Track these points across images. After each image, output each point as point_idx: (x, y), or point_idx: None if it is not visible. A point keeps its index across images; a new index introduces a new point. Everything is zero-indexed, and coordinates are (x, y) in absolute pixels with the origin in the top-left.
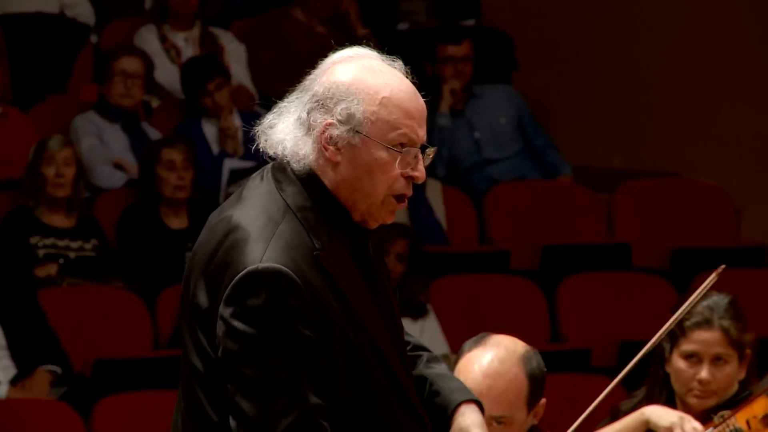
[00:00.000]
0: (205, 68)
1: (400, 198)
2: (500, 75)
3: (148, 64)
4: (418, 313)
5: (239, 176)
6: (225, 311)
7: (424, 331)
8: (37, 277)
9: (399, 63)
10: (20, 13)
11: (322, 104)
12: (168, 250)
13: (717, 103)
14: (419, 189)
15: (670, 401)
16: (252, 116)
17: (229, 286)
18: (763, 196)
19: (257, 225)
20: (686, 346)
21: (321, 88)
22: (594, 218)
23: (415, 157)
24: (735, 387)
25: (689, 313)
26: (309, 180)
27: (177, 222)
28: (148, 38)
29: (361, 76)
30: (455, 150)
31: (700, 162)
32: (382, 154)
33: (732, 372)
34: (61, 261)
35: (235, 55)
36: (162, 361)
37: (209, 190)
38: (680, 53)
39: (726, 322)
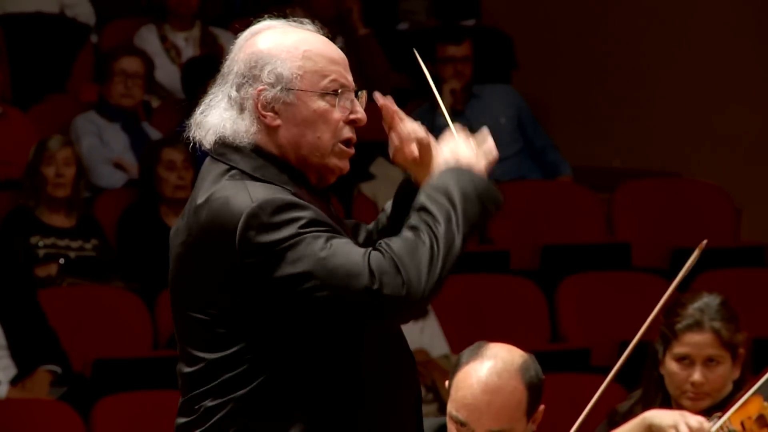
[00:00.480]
0: (205, 68)
1: (347, 143)
2: (500, 75)
3: (149, 64)
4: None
5: None
6: (249, 256)
7: (425, 331)
8: (38, 277)
9: (307, 22)
10: (20, 13)
11: (248, 77)
12: (168, 250)
13: (717, 103)
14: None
15: (666, 403)
16: None
17: (238, 234)
18: (763, 196)
19: (227, 189)
20: (678, 349)
21: (242, 64)
22: (594, 218)
23: (352, 101)
24: (729, 387)
25: (680, 315)
26: (255, 150)
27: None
28: (148, 38)
29: (277, 39)
30: None
31: (700, 162)
32: (320, 104)
33: (725, 373)
34: (61, 261)
35: None
36: (162, 361)
37: None
38: (680, 53)
39: (717, 324)
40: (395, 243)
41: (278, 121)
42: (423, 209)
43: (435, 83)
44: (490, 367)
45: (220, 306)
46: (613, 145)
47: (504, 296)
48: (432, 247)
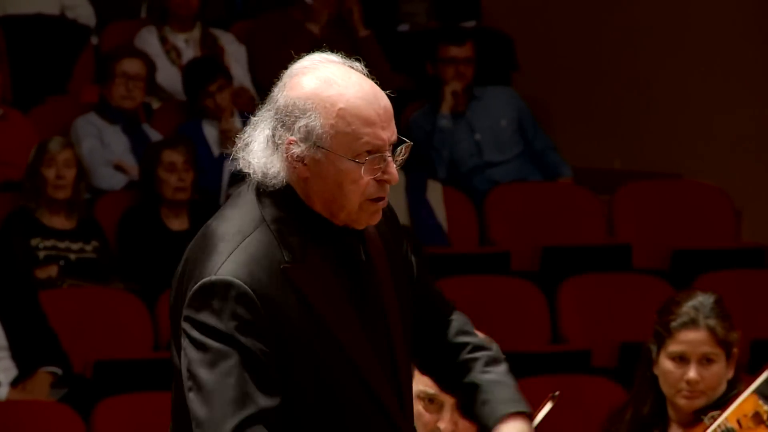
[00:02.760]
0: (206, 70)
1: (376, 200)
2: (500, 76)
3: (150, 65)
4: None
5: (240, 178)
6: (184, 319)
7: None
8: (38, 279)
9: (358, 65)
10: (21, 15)
11: (284, 122)
12: (168, 252)
13: (717, 104)
14: (420, 191)
15: (658, 403)
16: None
17: (188, 296)
18: (763, 197)
19: (227, 236)
20: (673, 347)
21: (282, 103)
22: (594, 219)
23: (384, 160)
24: (724, 386)
25: (675, 314)
26: (285, 192)
27: (177, 223)
28: (148, 40)
29: (317, 89)
30: (456, 152)
31: (700, 163)
32: (348, 165)
33: (720, 371)
34: (61, 263)
35: (236, 56)
36: (162, 363)
37: (210, 192)
38: (680, 55)
39: (712, 322)
40: None
41: (307, 174)
42: None
43: (436, 84)
44: None
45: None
46: (614, 147)
47: (504, 297)
48: None
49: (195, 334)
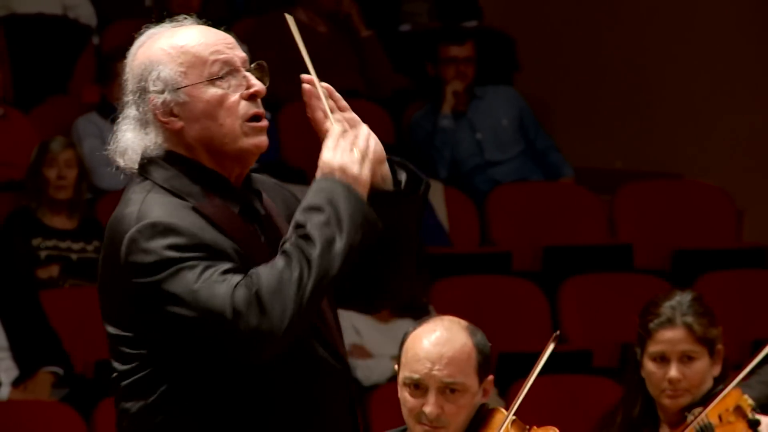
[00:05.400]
0: None
1: (254, 118)
2: (502, 76)
3: None
4: (419, 314)
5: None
6: (131, 278)
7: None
8: (39, 279)
9: (184, 17)
10: (22, 14)
11: (138, 91)
12: None
13: (719, 104)
14: None
15: (647, 405)
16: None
17: (123, 256)
18: (764, 198)
19: (125, 204)
20: (653, 348)
21: (129, 82)
22: (595, 219)
23: (244, 76)
24: (709, 383)
25: (653, 314)
26: (168, 157)
27: None
28: None
29: (149, 46)
30: (457, 152)
31: (702, 163)
32: (211, 91)
33: (702, 368)
34: (62, 263)
35: None
36: None
37: None
38: (682, 55)
39: (689, 319)
40: (264, 274)
41: (180, 123)
42: (300, 227)
43: (437, 84)
44: (438, 325)
45: (121, 323)
46: (615, 147)
47: (506, 297)
48: (301, 277)
49: (150, 278)
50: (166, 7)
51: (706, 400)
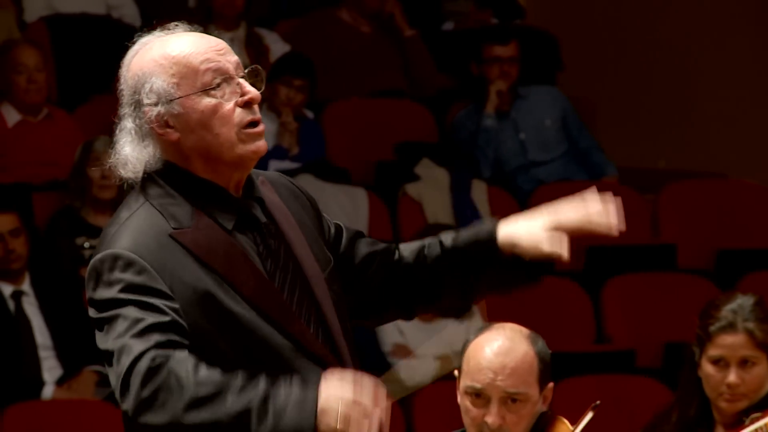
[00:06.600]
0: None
1: (251, 125)
2: (545, 76)
3: None
4: (463, 314)
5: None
6: (88, 302)
7: (470, 333)
8: (83, 278)
9: (175, 25)
10: (66, 14)
11: (133, 105)
12: None
13: (763, 103)
14: (464, 189)
15: (703, 405)
16: (300, 118)
17: (86, 278)
18: None
19: (113, 224)
20: (713, 351)
21: (124, 95)
22: (639, 219)
23: (238, 84)
24: (767, 388)
25: (714, 318)
26: (165, 169)
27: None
28: None
29: (140, 59)
30: (500, 151)
31: (746, 163)
32: (204, 101)
33: (761, 373)
34: None
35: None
36: None
37: None
38: (727, 54)
39: (751, 325)
40: (181, 364)
41: (176, 134)
42: (258, 379)
43: (481, 84)
44: (501, 334)
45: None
46: (659, 146)
47: (549, 297)
48: (200, 400)
49: (96, 313)
50: (210, 6)
51: (763, 404)
